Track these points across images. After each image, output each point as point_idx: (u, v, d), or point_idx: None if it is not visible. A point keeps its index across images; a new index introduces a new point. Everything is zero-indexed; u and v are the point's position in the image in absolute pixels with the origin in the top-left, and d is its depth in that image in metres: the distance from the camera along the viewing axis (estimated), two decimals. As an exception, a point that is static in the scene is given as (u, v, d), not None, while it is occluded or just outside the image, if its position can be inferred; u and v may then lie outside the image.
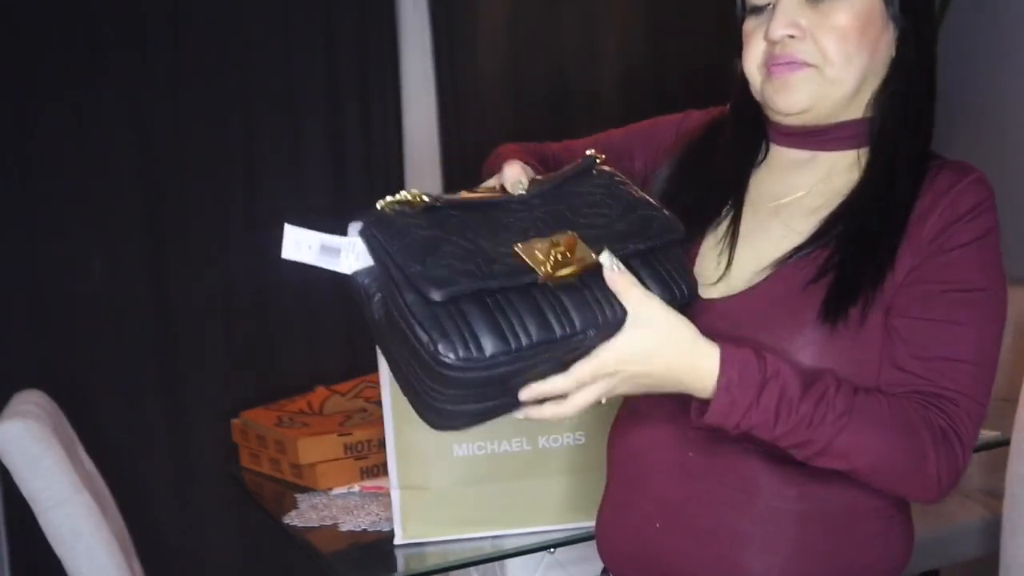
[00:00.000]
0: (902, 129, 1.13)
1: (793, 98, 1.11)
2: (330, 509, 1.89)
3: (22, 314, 3.00)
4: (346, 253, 1.03)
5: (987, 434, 2.11)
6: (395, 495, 1.66)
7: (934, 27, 1.15)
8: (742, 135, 1.20)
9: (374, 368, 1.68)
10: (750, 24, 1.14)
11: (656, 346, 0.99)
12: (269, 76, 3.27)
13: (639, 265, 1.04)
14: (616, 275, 0.98)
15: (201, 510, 3.20)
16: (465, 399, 0.99)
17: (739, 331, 1.07)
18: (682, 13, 3.87)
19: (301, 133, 3.32)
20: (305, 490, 2.00)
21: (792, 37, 1.09)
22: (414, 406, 1.04)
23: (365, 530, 1.78)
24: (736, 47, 1.18)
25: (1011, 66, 3.18)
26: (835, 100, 1.12)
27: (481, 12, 3.60)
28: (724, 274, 1.15)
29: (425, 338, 0.95)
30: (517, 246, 1.00)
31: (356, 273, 1.04)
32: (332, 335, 3.38)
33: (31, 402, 1.93)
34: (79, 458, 2.03)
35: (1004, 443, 2.05)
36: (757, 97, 1.16)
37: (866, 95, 1.14)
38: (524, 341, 0.95)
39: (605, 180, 1.11)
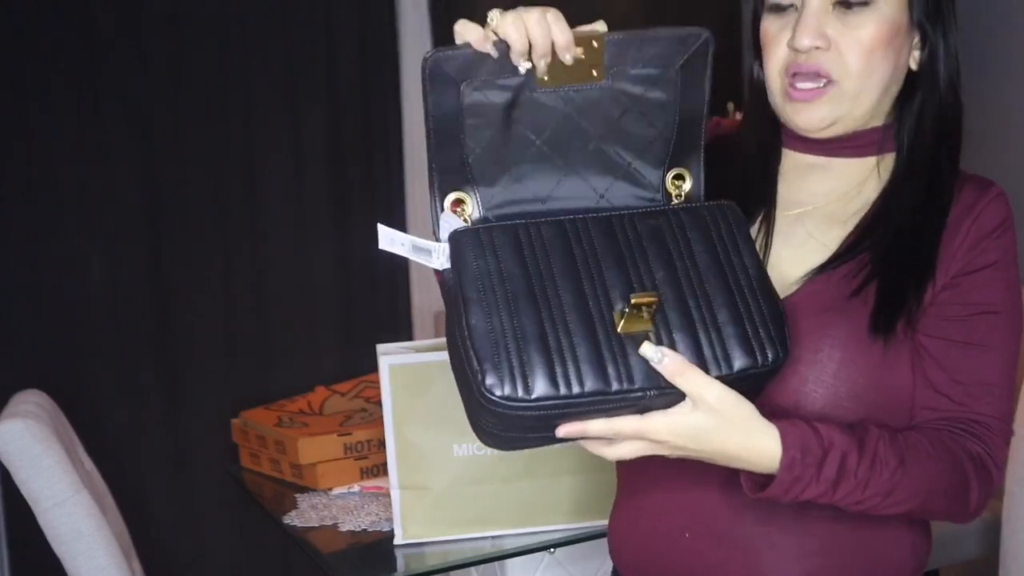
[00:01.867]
0: (933, 139, 1.12)
1: (813, 117, 1.10)
2: (330, 509, 1.88)
3: (22, 314, 3.01)
4: (436, 254, 1.00)
5: (987, 434, 2.10)
6: (395, 495, 1.66)
7: (956, 35, 1.13)
8: (764, 141, 1.17)
9: (374, 368, 1.68)
10: (771, 25, 1.11)
11: (712, 428, 0.96)
12: (269, 76, 3.27)
13: (727, 320, 0.97)
14: (668, 363, 0.93)
15: (201, 510, 3.20)
16: (509, 429, 0.96)
17: None
18: (682, 13, 3.87)
19: (301, 133, 3.32)
20: (305, 490, 2.00)
21: (818, 48, 1.07)
22: (469, 419, 1.02)
23: (365, 530, 1.78)
24: (751, 47, 1.15)
25: (1010, 66, 3.18)
26: (856, 116, 1.11)
27: (481, 12, 3.59)
28: None
29: (476, 366, 0.92)
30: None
31: (444, 271, 1.01)
32: (332, 335, 3.38)
33: (31, 402, 1.93)
34: (79, 458, 2.03)
35: (1004, 443, 2.05)
36: (772, 103, 1.14)
37: (886, 104, 1.13)
38: (576, 389, 0.92)
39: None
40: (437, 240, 1.01)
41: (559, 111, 1.00)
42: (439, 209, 1.01)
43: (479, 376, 0.92)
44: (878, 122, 1.13)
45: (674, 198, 1.04)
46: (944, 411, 1.08)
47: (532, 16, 0.95)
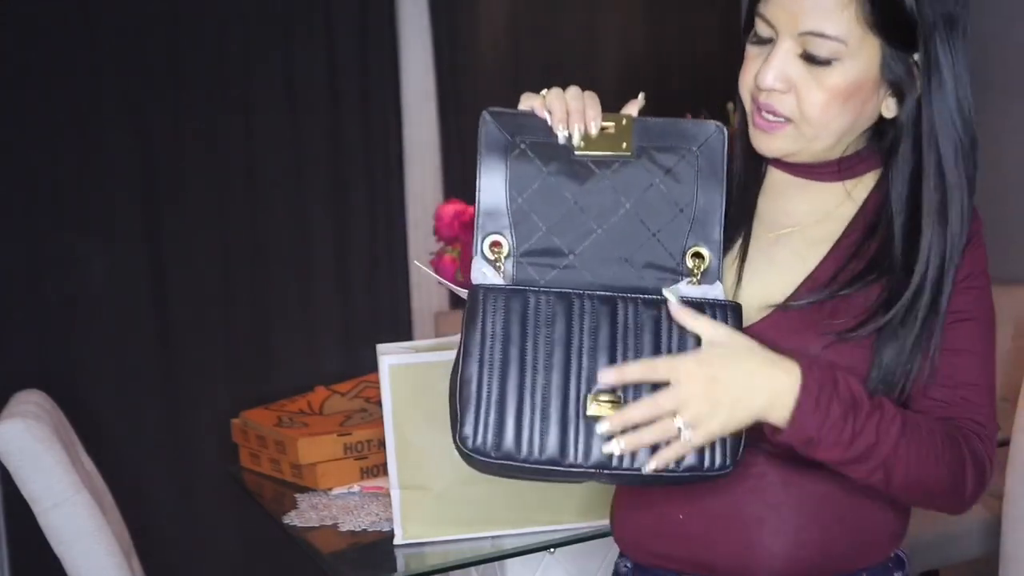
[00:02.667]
0: (905, 181, 1.13)
1: (772, 146, 1.14)
2: (330, 509, 1.88)
3: (22, 314, 3.01)
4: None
5: (987, 434, 2.10)
6: (395, 495, 1.66)
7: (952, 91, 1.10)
8: (747, 159, 1.20)
9: (374, 368, 1.68)
10: (751, 50, 1.14)
11: (736, 352, 1.02)
12: (269, 76, 3.27)
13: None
14: (681, 309, 1.04)
15: (201, 510, 3.21)
16: (476, 467, 1.08)
17: None
18: (682, 12, 3.87)
19: (301, 133, 3.32)
20: (305, 490, 2.00)
21: (778, 89, 1.10)
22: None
23: (365, 530, 1.78)
24: (740, 62, 1.17)
25: (1010, 66, 3.19)
26: (813, 151, 1.14)
27: (481, 12, 3.60)
28: (736, 295, 1.17)
29: (458, 415, 1.05)
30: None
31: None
32: (332, 335, 3.38)
33: (31, 402, 1.93)
34: (79, 458, 2.03)
35: (1004, 443, 2.05)
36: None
37: (854, 140, 1.15)
38: (535, 455, 1.04)
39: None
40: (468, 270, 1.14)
41: (594, 176, 1.13)
42: (479, 246, 1.13)
43: (458, 424, 1.05)
44: (849, 151, 1.16)
45: (693, 272, 1.12)
46: (938, 413, 1.13)
47: (571, 92, 1.11)
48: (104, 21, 3.05)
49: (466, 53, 3.56)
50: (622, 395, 1.04)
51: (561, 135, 1.11)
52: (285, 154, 3.31)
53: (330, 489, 1.99)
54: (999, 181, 3.21)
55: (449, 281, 2.40)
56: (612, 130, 1.13)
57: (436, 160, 3.53)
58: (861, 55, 1.07)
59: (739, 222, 1.18)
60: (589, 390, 1.05)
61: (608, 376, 1.02)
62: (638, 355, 1.07)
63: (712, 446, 1.04)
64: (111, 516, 2.00)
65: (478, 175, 1.13)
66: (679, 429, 1.00)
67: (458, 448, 1.05)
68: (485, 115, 1.13)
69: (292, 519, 1.85)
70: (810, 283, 1.15)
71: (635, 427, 1.00)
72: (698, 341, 1.05)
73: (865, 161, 1.17)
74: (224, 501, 3.11)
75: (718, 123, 1.12)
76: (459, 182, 3.47)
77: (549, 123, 1.11)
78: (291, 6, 3.28)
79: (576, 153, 1.13)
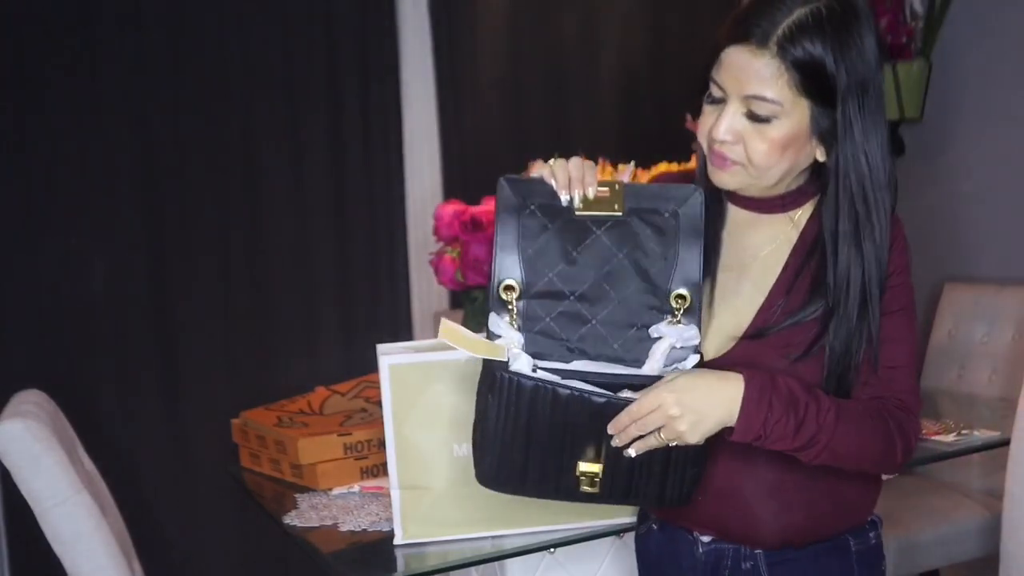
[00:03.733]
0: (852, 226, 1.34)
1: (723, 180, 1.35)
2: (330, 509, 1.88)
3: (22, 314, 3.01)
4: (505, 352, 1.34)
5: (987, 434, 2.10)
6: (395, 495, 1.66)
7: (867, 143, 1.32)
8: (710, 199, 1.38)
9: (374, 368, 1.68)
10: (707, 108, 1.35)
11: (692, 375, 1.28)
12: (269, 75, 3.27)
13: (653, 485, 1.34)
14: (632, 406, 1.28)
15: (201, 510, 3.21)
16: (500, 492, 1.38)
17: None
18: (682, 13, 3.87)
19: (301, 133, 3.32)
20: (305, 490, 2.00)
21: (728, 141, 1.32)
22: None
23: (365, 530, 1.78)
24: (696, 112, 1.38)
25: (1010, 65, 3.19)
26: (760, 187, 1.36)
27: (481, 12, 3.60)
28: (710, 324, 1.40)
29: (478, 456, 1.34)
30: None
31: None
32: (332, 335, 3.38)
33: (31, 402, 1.93)
34: (79, 458, 2.03)
35: (1004, 443, 2.05)
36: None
37: (793, 178, 1.37)
38: (539, 491, 1.36)
39: None
40: (486, 318, 1.37)
41: (592, 232, 1.35)
42: (495, 291, 1.35)
43: (477, 464, 1.35)
44: (792, 187, 1.38)
45: (675, 312, 1.35)
46: (868, 393, 1.36)
47: (573, 162, 1.35)
48: (104, 21, 3.05)
49: (466, 53, 3.56)
50: (604, 456, 1.30)
51: (563, 198, 1.34)
52: (285, 154, 3.31)
53: (330, 489, 1.99)
54: (999, 183, 3.21)
55: (449, 281, 2.41)
56: (607, 194, 1.34)
57: (436, 160, 3.53)
58: (794, 113, 1.28)
59: (707, 259, 1.38)
60: (577, 460, 1.31)
61: (611, 431, 1.28)
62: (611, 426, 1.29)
63: (677, 485, 1.33)
64: (111, 516, 2.00)
65: (496, 231, 1.35)
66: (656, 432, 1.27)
67: (479, 481, 1.36)
68: (501, 181, 1.35)
69: (292, 519, 1.85)
70: (764, 310, 1.37)
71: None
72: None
73: (804, 194, 1.39)
74: (224, 501, 3.11)
75: (696, 186, 1.35)
76: (459, 182, 3.48)
77: (554, 188, 1.33)
78: (291, 6, 3.29)
79: (577, 213, 1.34)
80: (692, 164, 1.59)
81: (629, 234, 1.35)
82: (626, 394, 1.29)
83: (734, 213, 1.43)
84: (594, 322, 1.35)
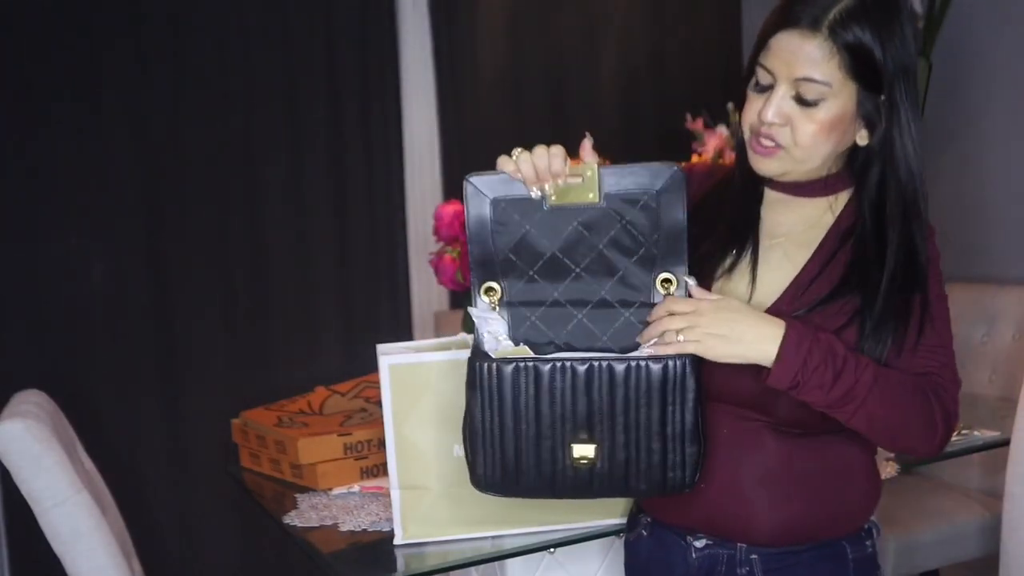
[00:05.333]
0: (900, 210, 1.37)
1: (765, 167, 1.38)
2: (330, 509, 1.88)
3: (22, 314, 3.01)
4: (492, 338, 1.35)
5: (987, 434, 2.10)
6: (395, 495, 1.66)
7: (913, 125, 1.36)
8: (748, 181, 1.44)
9: (374, 368, 1.68)
10: (752, 95, 1.37)
11: (740, 305, 1.31)
12: (269, 76, 3.27)
13: (653, 463, 1.33)
14: (695, 288, 1.32)
15: (201, 510, 3.21)
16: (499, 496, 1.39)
17: None
18: (682, 13, 3.88)
19: (301, 132, 3.32)
20: (305, 490, 2.00)
21: (777, 123, 1.34)
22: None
23: (365, 530, 1.78)
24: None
25: (1010, 65, 3.19)
26: (803, 171, 1.39)
27: (481, 12, 3.60)
28: (752, 295, 1.41)
29: (469, 456, 1.35)
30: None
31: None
32: (332, 335, 3.38)
33: (31, 402, 1.93)
34: (79, 458, 2.03)
35: (1004, 443, 2.05)
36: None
37: (832, 163, 1.40)
38: (534, 491, 1.36)
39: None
40: (473, 306, 1.34)
41: (570, 225, 1.30)
42: (476, 295, 1.32)
43: (471, 467, 1.36)
44: (827, 172, 1.41)
45: (663, 296, 1.32)
46: (910, 371, 1.36)
47: (537, 152, 1.30)
48: (104, 21, 3.05)
49: (466, 53, 3.56)
50: (597, 435, 1.30)
51: (534, 194, 1.30)
52: (285, 154, 3.31)
53: (330, 489, 1.99)
54: (999, 183, 3.21)
55: (449, 281, 2.41)
56: (581, 182, 1.28)
57: (436, 160, 3.53)
58: (842, 95, 1.32)
59: (745, 234, 1.42)
60: (571, 437, 1.30)
61: (651, 319, 1.31)
62: (612, 399, 1.30)
63: (679, 466, 1.32)
64: (111, 516, 2.00)
65: (468, 235, 1.30)
66: (676, 333, 1.29)
67: (475, 487, 1.36)
68: (467, 181, 1.30)
69: (292, 519, 1.85)
70: (796, 284, 1.39)
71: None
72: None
73: (842, 180, 1.42)
74: (224, 501, 3.11)
75: (672, 164, 1.32)
76: (459, 182, 3.46)
77: (522, 183, 1.30)
78: (291, 6, 3.29)
79: (550, 205, 1.30)
80: (693, 160, 1.56)
81: (608, 222, 1.30)
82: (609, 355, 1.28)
83: (769, 195, 1.46)
84: (580, 317, 1.32)
